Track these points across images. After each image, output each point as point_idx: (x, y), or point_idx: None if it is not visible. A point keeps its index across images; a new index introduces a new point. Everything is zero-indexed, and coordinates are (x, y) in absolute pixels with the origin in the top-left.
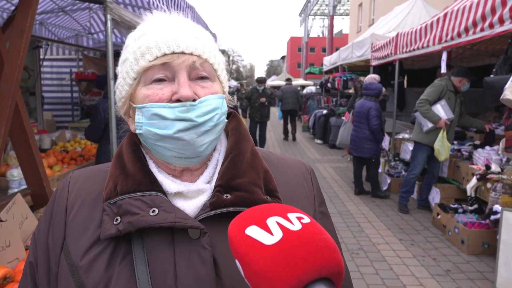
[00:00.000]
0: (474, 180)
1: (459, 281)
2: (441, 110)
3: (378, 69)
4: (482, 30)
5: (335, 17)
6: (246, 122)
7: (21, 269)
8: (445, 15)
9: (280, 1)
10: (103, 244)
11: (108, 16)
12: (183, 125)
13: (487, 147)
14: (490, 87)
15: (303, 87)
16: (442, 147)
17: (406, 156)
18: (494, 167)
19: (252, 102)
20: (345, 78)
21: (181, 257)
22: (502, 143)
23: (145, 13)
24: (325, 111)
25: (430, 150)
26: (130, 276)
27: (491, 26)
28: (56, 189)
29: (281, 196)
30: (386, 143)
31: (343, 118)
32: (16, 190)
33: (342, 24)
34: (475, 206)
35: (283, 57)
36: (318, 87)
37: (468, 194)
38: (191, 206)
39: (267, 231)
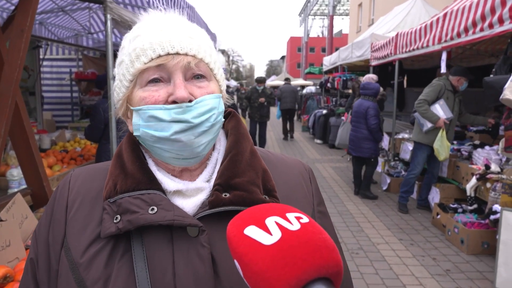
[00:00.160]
0: (473, 180)
1: (458, 280)
2: (440, 110)
3: (377, 69)
4: (481, 30)
5: (334, 17)
6: (246, 123)
7: (21, 268)
8: (445, 15)
9: (280, 1)
10: (103, 241)
11: (108, 16)
12: (179, 127)
13: (487, 147)
14: (490, 87)
15: (302, 87)
16: (442, 146)
17: (406, 156)
18: (494, 167)
19: (251, 102)
20: (344, 78)
21: (179, 254)
22: (501, 143)
23: (141, 12)
24: (324, 111)
25: (430, 150)
26: (129, 273)
27: (491, 26)
28: (57, 187)
29: (279, 196)
30: (385, 143)
31: (342, 118)
32: (16, 189)
33: (342, 24)
34: (475, 206)
35: (282, 57)
36: (318, 87)
37: (468, 194)
38: (190, 204)
39: (266, 231)
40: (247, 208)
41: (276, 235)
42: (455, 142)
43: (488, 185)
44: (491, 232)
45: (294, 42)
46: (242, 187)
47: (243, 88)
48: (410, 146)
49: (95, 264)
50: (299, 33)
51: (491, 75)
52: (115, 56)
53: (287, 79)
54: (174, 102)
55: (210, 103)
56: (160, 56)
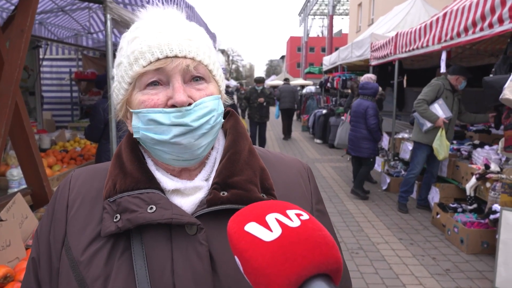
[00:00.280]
0: (473, 180)
1: (458, 280)
2: (439, 109)
3: (377, 69)
4: (481, 29)
5: (334, 16)
6: (245, 123)
7: (22, 268)
8: (445, 15)
9: (279, 1)
10: (103, 240)
11: (108, 16)
12: (179, 130)
13: (486, 147)
14: (490, 87)
15: (302, 86)
16: (441, 146)
17: (406, 155)
18: (494, 167)
19: (251, 102)
20: (344, 78)
21: (178, 252)
22: (501, 143)
23: (138, 9)
24: (324, 111)
25: (430, 149)
26: (129, 271)
27: (491, 25)
28: (57, 187)
29: (277, 194)
30: (385, 142)
31: (342, 118)
32: (16, 189)
33: (341, 24)
34: (475, 205)
35: (282, 57)
36: (317, 86)
37: (468, 193)
38: (188, 203)
39: (266, 227)
40: (245, 206)
41: (276, 231)
42: (454, 141)
43: (488, 184)
44: (491, 231)
45: (294, 41)
46: (240, 186)
47: (242, 88)
48: (409, 146)
49: (95, 262)
50: (299, 33)
51: (491, 75)
52: (115, 56)
53: (286, 79)
54: (173, 106)
55: (209, 105)
56: (159, 59)
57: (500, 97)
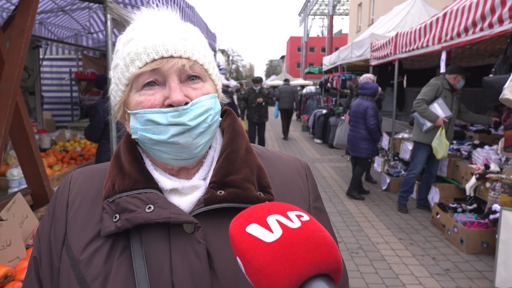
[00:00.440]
0: (473, 180)
1: (458, 280)
2: (439, 109)
3: (377, 69)
4: (481, 30)
5: (334, 17)
6: (244, 124)
7: (22, 267)
8: (445, 15)
9: (279, 1)
10: (102, 239)
11: (108, 16)
12: (176, 130)
13: (486, 147)
14: (489, 87)
15: (302, 86)
16: (440, 145)
17: (406, 155)
18: (493, 167)
19: (249, 103)
20: (343, 78)
21: (176, 251)
22: (501, 143)
23: (138, 10)
24: (324, 111)
25: (430, 149)
26: (128, 270)
27: (491, 26)
28: (58, 187)
29: (275, 192)
30: (385, 142)
31: (342, 117)
32: (16, 189)
33: (341, 24)
34: (474, 205)
35: (282, 57)
36: (317, 87)
37: (467, 193)
38: (186, 202)
39: (267, 228)
40: (242, 204)
41: (277, 232)
42: (454, 141)
43: (488, 184)
44: (491, 231)
45: (294, 41)
46: (237, 184)
47: (242, 88)
48: (409, 146)
49: (95, 261)
50: (299, 33)
51: (491, 75)
52: None
53: (286, 80)
54: (170, 105)
55: (205, 104)
56: (154, 60)
57: (500, 97)
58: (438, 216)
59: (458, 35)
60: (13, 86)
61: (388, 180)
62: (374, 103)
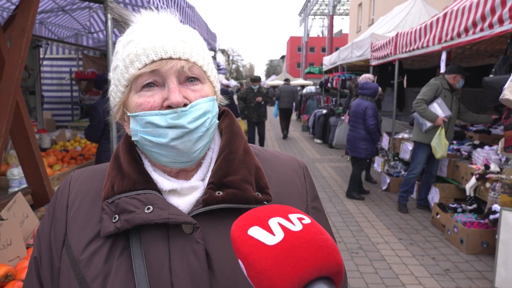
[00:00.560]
0: (473, 180)
1: (458, 280)
2: (438, 108)
3: (377, 69)
4: (481, 30)
5: (334, 17)
6: (243, 124)
7: (22, 267)
8: (445, 15)
9: (280, 1)
10: (102, 239)
11: (109, 16)
12: (175, 133)
13: (486, 147)
14: (489, 87)
15: (302, 86)
16: (439, 144)
17: (406, 155)
18: (493, 167)
19: (248, 102)
20: (343, 78)
21: (175, 251)
22: (501, 143)
23: (139, 9)
24: (324, 111)
25: (430, 149)
26: (128, 270)
27: (491, 26)
28: (58, 188)
29: (273, 192)
30: (385, 142)
31: (342, 117)
32: (16, 189)
33: (341, 24)
34: (474, 205)
35: (282, 57)
36: (317, 87)
37: (467, 193)
38: (184, 202)
39: (269, 231)
40: (240, 205)
41: (279, 235)
42: (454, 142)
43: (488, 185)
44: (491, 231)
45: (294, 41)
46: (235, 185)
47: (243, 88)
48: (410, 146)
49: (95, 261)
50: (299, 33)
51: (491, 75)
52: None
53: (286, 80)
54: (169, 107)
55: (204, 106)
56: (153, 61)
57: (500, 97)
58: (438, 216)
59: (458, 35)
60: (13, 86)
61: (388, 180)
62: (374, 103)
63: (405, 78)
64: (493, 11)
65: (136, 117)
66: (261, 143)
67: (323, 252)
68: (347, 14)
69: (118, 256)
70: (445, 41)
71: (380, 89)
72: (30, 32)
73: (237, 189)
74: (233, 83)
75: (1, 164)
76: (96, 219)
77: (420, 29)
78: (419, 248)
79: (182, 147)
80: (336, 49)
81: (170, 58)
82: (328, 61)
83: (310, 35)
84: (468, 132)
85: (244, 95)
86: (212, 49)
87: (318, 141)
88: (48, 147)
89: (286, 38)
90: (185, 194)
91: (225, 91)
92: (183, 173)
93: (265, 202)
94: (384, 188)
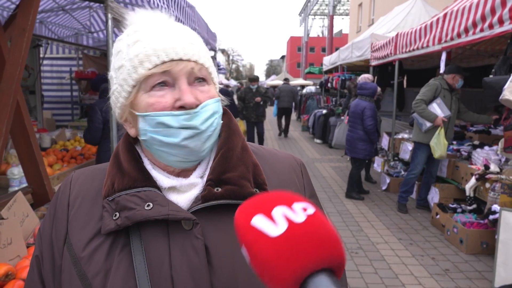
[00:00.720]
0: (473, 180)
1: (457, 280)
2: (438, 108)
3: (377, 69)
4: (481, 30)
5: (335, 17)
6: (242, 124)
7: (23, 266)
8: (445, 15)
9: (280, 1)
10: (102, 236)
11: (109, 15)
12: (188, 133)
13: (486, 147)
14: (489, 88)
15: (302, 86)
16: (438, 144)
17: (406, 156)
18: (493, 167)
19: (246, 102)
20: (343, 78)
21: (175, 247)
22: (501, 143)
23: (128, 12)
24: (324, 111)
25: (430, 149)
26: (128, 266)
27: (491, 26)
28: (59, 187)
29: (270, 189)
30: (385, 142)
31: (342, 118)
32: (16, 188)
33: (342, 24)
34: (474, 206)
35: (282, 57)
36: (317, 87)
37: (467, 194)
38: (184, 199)
39: (273, 222)
40: (238, 201)
41: (282, 226)
42: (454, 142)
43: (487, 185)
44: (490, 232)
45: (294, 41)
46: (233, 182)
47: (242, 87)
48: (409, 146)
49: (95, 258)
50: (299, 33)
51: (491, 76)
52: None
53: (286, 79)
54: (181, 107)
55: (212, 107)
56: (164, 62)
57: (500, 98)
58: (438, 216)
59: (458, 35)
60: (14, 85)
61: (388, 180)
62: (373, 103)
63: (405, 78)
64: (493, 11)
65: (146, 117)
66: (261, 142)
67: (326, 244)
68: (347, 14)
69: (118, 252)
70: (445, 41)
71: (379, 89)
72: (30, 31)
73: (235, 185)
74: (233, 83)
75: (1, 163)
76: (96, 218)
77: (420, 29)
78: (418, 248)
79: (193, 146)
80: (336, 49)
81: (180, 60)
82: (328, 61)
83: (310, 35)
84: (468, 132)
85: (242, 95)
86: (212, 49)
87: (318, 141)
88: (48, 146)
89: (286, 38)
90: (184, 191)
91: (225, 91)
92: (184, 171)
93: None
94: (384, 188)
